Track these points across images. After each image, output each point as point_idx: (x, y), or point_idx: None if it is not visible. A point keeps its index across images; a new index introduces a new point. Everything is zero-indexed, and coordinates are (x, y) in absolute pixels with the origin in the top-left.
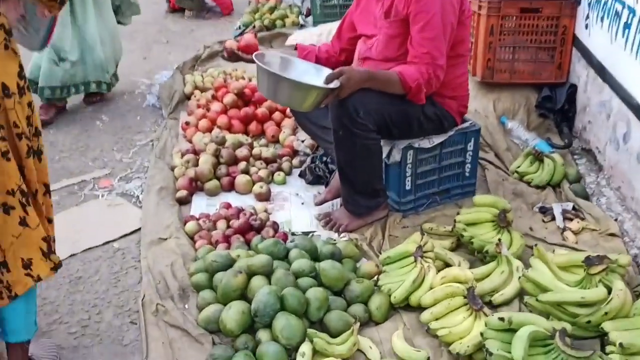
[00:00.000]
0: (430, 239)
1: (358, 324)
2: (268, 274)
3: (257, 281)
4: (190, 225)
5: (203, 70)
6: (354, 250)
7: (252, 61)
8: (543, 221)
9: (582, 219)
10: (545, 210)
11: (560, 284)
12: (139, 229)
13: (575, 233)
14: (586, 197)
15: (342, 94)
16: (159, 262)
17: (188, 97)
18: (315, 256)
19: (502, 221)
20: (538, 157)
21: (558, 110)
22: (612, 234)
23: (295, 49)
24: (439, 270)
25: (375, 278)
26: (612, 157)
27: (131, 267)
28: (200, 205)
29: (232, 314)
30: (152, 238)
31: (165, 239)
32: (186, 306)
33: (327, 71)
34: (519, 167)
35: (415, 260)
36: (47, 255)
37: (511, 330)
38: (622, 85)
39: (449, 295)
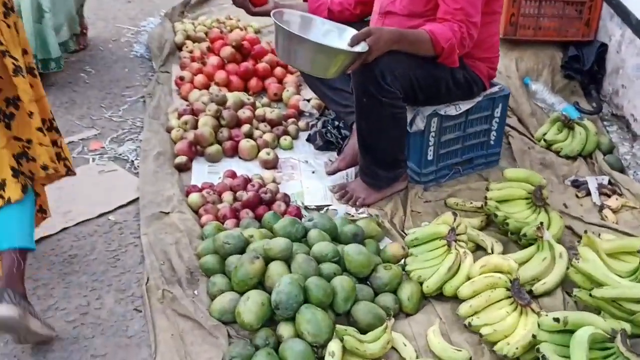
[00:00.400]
0: (462, 218)
1: (392, 320)
2: (287, 258)
3: (276, 268)
4: (194, 198)
5: (193, 18)
6: (376, 229)
7: (257, 14)
8: (577, 196)
9: (620, 195)
10: (578, 184)
11: (614, 277)
12: (136, 199)
13: (614, 211)
14: (621, 170)
15: (370, 57)
16: (161, 239)
17: (179, 48)
18: (334, 235)
19: (538, 199)
20: (568, 124)
21: (586, 71)
22: None
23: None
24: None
25: (403, 262)
26: None
27: (130, 244)
28: (202, 172)
29: (251, 306)
30: (153, 211)
31: (167, 213)
32: (195, 292)
33: (351, 31)
34: (545, 134)
35: (449, 246)
36: (17, 175)
37: (566, 331)
38: None
39: (490, 286)
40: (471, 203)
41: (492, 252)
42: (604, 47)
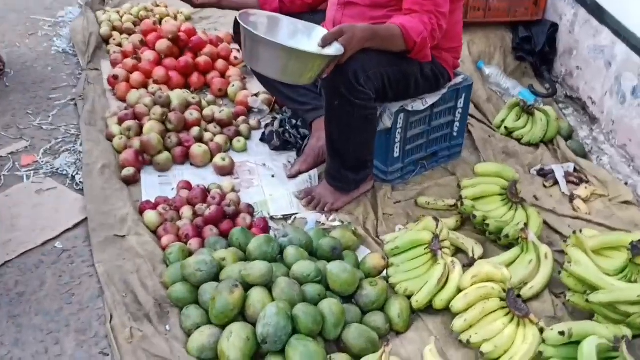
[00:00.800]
0: (443, 223)
1: (390, 346)
2: (267, 283)
3: (257, 295)
4: (151, 217)
5: (115, 5)
6: (352, 239)
7: (201, 6)
8: (544, 186)
9: (587, 182)
10: (545, 174)
11: (607, 279)
12: (84, 220)
13: (585, 201)
14: (584, 156)
15: (343, 58)
16: (120, 267)
17: (106, 41)
18: (311, 250)
19: (514, 195)
20: (527, 110)
21: (537, 52)
22: (626, 202)
23: None
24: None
25: (385, 273)
26: (614, 110)
27: (84, 274)
28: (153, 184)
29: (235, 342)
30: (106, 235)
31: (123, 237)
32: (167, 327)
33: (320, 30)
34: (503, 120)
35: (435, 255)
36: None
37: (570, 342)
38: (633, 32)
39: (483, 297)
40: (443, 201)
41: (474, 255)
42: (554, 27)
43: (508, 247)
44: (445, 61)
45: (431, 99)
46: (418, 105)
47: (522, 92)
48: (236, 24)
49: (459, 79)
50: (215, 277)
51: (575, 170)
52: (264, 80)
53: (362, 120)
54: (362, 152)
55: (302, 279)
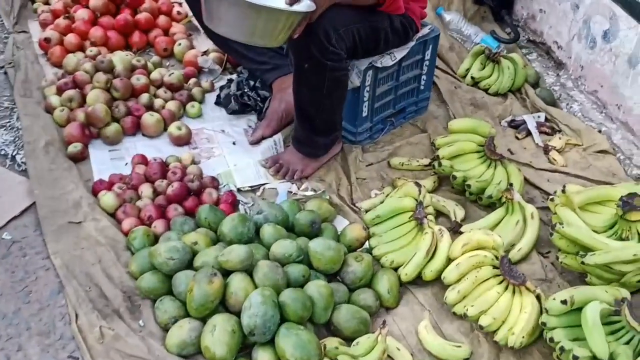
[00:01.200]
0: (424, 188)
1: (387, 328)
2: (247, 268)
3: (239, 282)
4: (107, 199)
5: None
6: (329, 209)
7: None
8: (517, 138)
9: (559, 131)
10: (516, 125)
11: (600, 238)
12: (32, 205)
13: (560, 151)
14: (553, 103)
15: (314, 15)
16: (79, 258)
17: None
18: (287, 226)
19: (493, 153)
20: (493, 58)
21: None
22: (602, 151)
23: None
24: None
25: (367, 244)
26: (583, 55)
27: (40, 268)
28: (103, 160)
29: (220, 336)
30: (59, 223)
31: (79, 223)
32: (141, 323)
33: None
34: (468, 69)
35: (421, 223)
36: None
37: (572, 310)
38: None
39: (475, 266)
40: (417, 161)
41: (456, 218)
42: None
43: (489, 206)
44: (413, 12)
45: (400, 54)
46: (387, 60)
47: (485, 39)
48: None
49: (425, 30)
50: (189, 264)
51: (546, 119)
52: (214, 36)
53: (334, 82)
54: (334, 115)
55: (284, 260)
